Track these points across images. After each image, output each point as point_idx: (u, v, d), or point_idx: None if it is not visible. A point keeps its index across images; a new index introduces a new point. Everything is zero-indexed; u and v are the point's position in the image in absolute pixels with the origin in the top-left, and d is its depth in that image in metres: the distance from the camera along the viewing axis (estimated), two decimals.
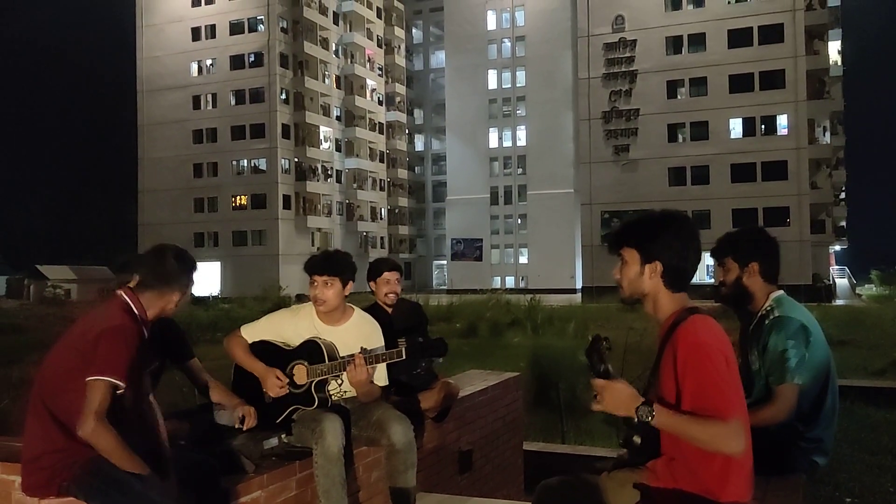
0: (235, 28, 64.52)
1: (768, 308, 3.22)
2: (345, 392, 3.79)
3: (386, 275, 4.67)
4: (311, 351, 3.68)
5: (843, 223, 59.28)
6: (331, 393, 3.72)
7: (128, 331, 2.82)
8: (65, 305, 40.50)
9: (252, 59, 63.87)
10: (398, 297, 4.72)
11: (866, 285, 66.12)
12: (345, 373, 3.63)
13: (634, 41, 55.01)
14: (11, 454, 3.41)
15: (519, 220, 71.99)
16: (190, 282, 3.08)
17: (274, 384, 3.65)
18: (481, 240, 71.95)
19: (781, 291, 3.29)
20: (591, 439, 9.05)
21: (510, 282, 68.51)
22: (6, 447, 3.65)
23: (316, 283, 3.74)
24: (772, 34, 51.44)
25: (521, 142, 72.31)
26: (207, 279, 58.12)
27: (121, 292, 2.97)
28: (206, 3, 65.39)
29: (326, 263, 3.76)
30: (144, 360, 2.96)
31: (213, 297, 48.25)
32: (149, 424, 2.99)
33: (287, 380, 3.67)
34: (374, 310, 4.72)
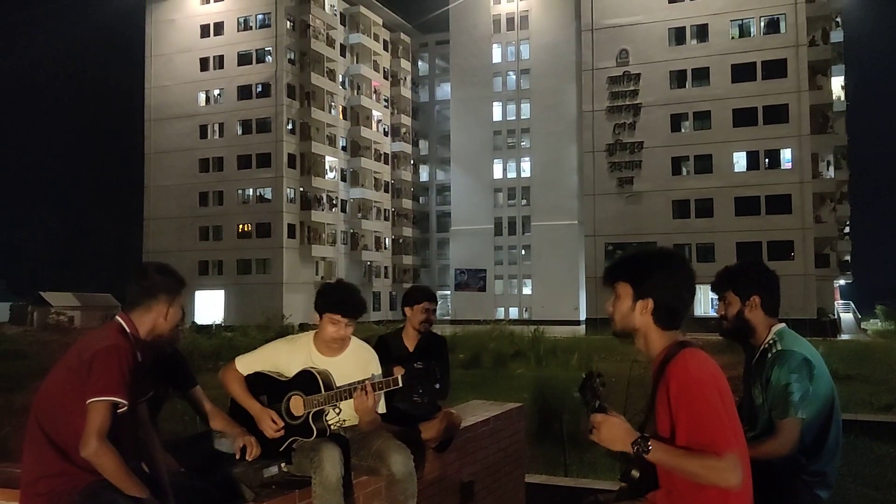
0: (243, 59, 65.22)
1: (771, 341, 3.22)
2: (343, 421, 3.75)
3: (425, 304, 4.74)
4: (307, 381, 3.64)
5: (848, 257, 59.15)
6: (329, 422, 3.69)
7: (121, 350, 2.82)
8: (68, 332, 40.45)
9: (259, 89, 64.48)
10: (431, 327, 4.81)
11: (871, 320, 65.75)
12: (343, 402, 3.61)
13: (638, 75, 55.42)
14: (10, 480, 3.40)
15: (523, 251, 72.06)
16: (175, 292, 3.06)
17: (268, 426, 3.61)
18: (485, 270, 71.97)
19: (783, 325, 3.28)
20: (594, 472, 8.97)
21: (514, 313, 68.40)
22: (5, 473, 3.63)
23: (339, 323, 3.67)
24: (775, 69, 51.80)
25: (526, 173, 72.64)
26: (211, 307, 58.14)
27: (117, 315, 2.99)
28: (214, 34, 66.21)
29: (355, 306, 3.70)
30: (142, 385, 2.95)
31: (216, 325, 48.17)
32: (147, 451, 2.99)
33: (282, 423, 3.63)
34: (391, 339, 4.74)
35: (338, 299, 3.71)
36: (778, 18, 52.85)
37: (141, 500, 2.72)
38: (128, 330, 2.94)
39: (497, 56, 74.50)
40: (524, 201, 72.47)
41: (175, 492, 2.91)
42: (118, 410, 2.75)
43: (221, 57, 65.77)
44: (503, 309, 69.49)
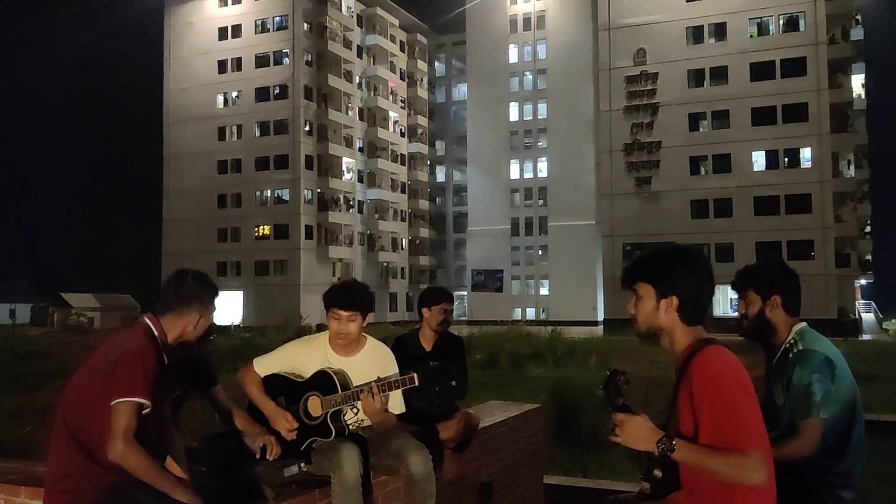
0: (261, 61, 65.54)
1: (792, 341, 3.19)
2: (362, 420, 3.76)
3: (443, 304, 4.73)
4: (323, 382, 3.65)
5: (869, 257, 58.55)
6: (348, 422, 3.69)
7: (146, 353, 2.84)
8: (88, 333, 40.84)
9: (277, 91, 64.77)
10: (448, 327, 4.80)
11: (893, 320, 65.09)
12: (360, 402, 3.62)
13: (656, 74, 55.17)
14: (34, 479, 3.44)
15: (540, 252, 71.89)
16: (209, 303, 3.09)
17: (284, 427, 3.62)
18: (502, 271, 71.85)
19: (804, 324, 3.25)
20: (612, 474, 8.93)
21: (531, 313, 68.26)
22: (29, 472, 3.68)
23: (339, 318, 3.68)
24: (794, 67, 51.40)
25: (543, 173, 72.48)
26: (229, 308, 58.47)
27: (145, 317, 3.02)
28: (232, 37, 66.60)
29: (352, 299, 3.69)
30: (165, 385, 2.98)
31: (234, 325, 48.42)
32: (169, 451, 3.01)
33: (297, 424, 3.64)
34: (409, 340, 4.75)
35: (335, 294, 3.73)
36: (797, 16, 52.44)
37: (163, 497, 2.74)
38: (155, 333, 2.96)
39: (514, 56, 74.39)
40: (541, 201, 72.31)
41: (197, 490, 2.93)
42: (143, 412, 2.78)
43: (239, 59, 66.14)
44: (520, 309, 69.35)
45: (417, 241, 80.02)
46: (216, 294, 3.13)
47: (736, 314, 3.42)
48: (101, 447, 2.76)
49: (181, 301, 3.02)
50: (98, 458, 2.78)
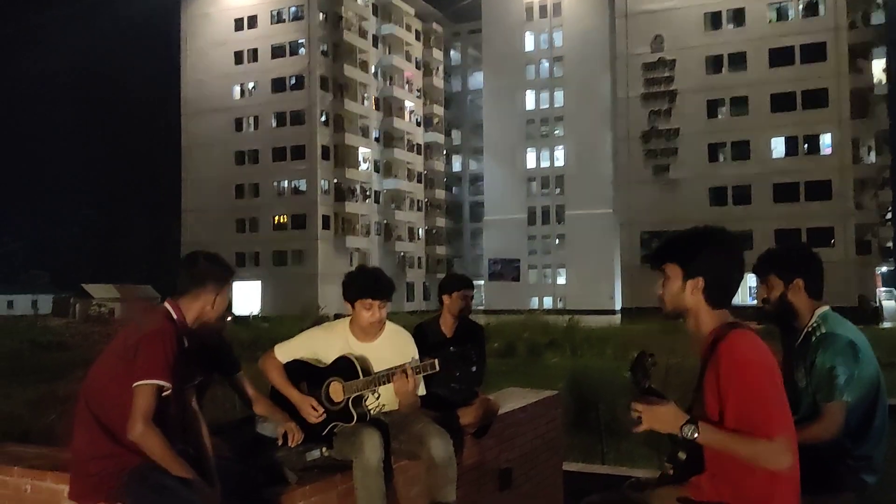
0: (277, 52, 65.65)
1: (814, 325, 3.17)
2: (383, 406, 3.79)
3: (463, 291, 4.75)
4: (345, 368, 3.68)
5: (890, 244, 57.96)
6: (368, 407, 3.73)
7: (166, 336, 2.87)
8: (109, 323, 41.21)
9: (293, 82, 64.89)
10: (469, 314, 4.82)
11: None
12: (381, 387, 3.64)
13: (674, 61, 54.74)
14: (60, 464, 3.49)
15: (557, 241, 71.71)
16: (222, 281, 3.10)
17: (309, 413, 3.66)
18: (518, 260, 71.77)
19: (827, 307, 3.23)
20: (631, 461, 8.94)
21: (548, 302, 68.13)
22: (54, 457, 3.74)
23: (372, 307, 3.71)
24: (814, 53, 50.82)
25: (559, 162, 72.20)
26: (248, 298, 58.84)
27: (165, 301, 3.05)
28: (248, 27, 66.71)
29: (384, 287, 3.75)
30: (187, 369, 3.01)
31: (253, 315, 48.72)
32: (193, 434, 3.05)
33: (322, 410, 3.68)
34: (429, 327, 4.77)
35: (366, 284, 3.75)
36: (817, 1, 51.84)
37: (187, 480, 2.77)
38: (174, 316, 2.99)
39: (530, 44, 74.01)
40: (558, 190, 72.06)
41: (220, 475, 2.96)
42: (163, 394, 2.81)
43: (255, 50, 66.28)
44: (537, 299, 69.25)
45: (434, 231, 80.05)
46: (230, 272, 3.15)
47: (754, 303, 3.40)
48: (125, 430, 2.79)
49: (195, 282, 3.05)
50: (122, 441, 2.82)
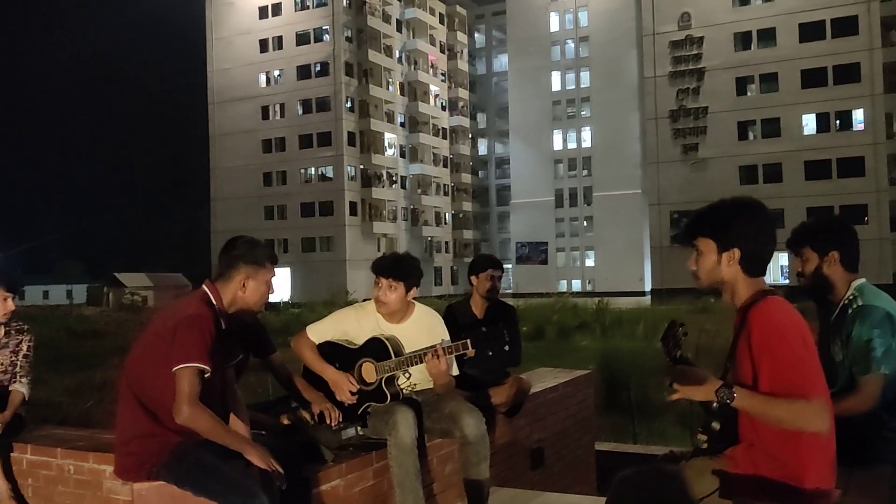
0: (302, 39, 65.78)
1: (851, 297, 3.13)
2: (415, 385, 3.83)
3: (489, 271, 4.74)
4: (377, 348, 3.72)
5: None
6: (401, 387, 3.77)
7: (203, 318, 2.90)
8: (141, 312, 41.82)
9: (318, 68, 65.00)
10: (497, 294, 4.80)
11: None
12: (413, 367, 3.67)
13: (701, 38, 54.00)
14: (101, 445, 3.58)
15: (585, 223, 71.36)
16: (256, 264, 3.08)
17: (346, 388, 3.69)
18: (546, 243, 71.50)
19: (864, 279, 3.19)
20: (663, 440, 8.92)
21: (576, 285, 67.92)
22: (96, 439, 3.83)
23: (380, 285, 3.74)
24: (846, 26, 49.86)
25: (586, 143, 71.68)
26: (278, 285, 59.11)
27: (203, 284, 3.09)
28: (272, 15, 66.88)
29: (394, 267, 3.75)
30: (225, 350, 3.05)
31: (283, 302, 49.19)
32: (233, 412, 3.10)
33: (358, 385, 3.72)
34: (459, 308, 4.78)
35: (378, 261, 3.82)
36: None
37: (228, 457, 2.82)
38: (212, 299, 3.03)
39: (555, 24, 73.36)
40: (585, 172, 71.61)
41: None
42: (204, 376, 2.85)
43: (280, 38, 66.46)
44: (565, 281, 69.05)
45: (461, 215, 80.00)
46: (265, 256, 3.12)
47: (786, 282, 3.36)
48: (165, 410, 2.85)
49: (229, 264, 3.07)
50: (163, 421, 2.88)
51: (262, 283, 3.12)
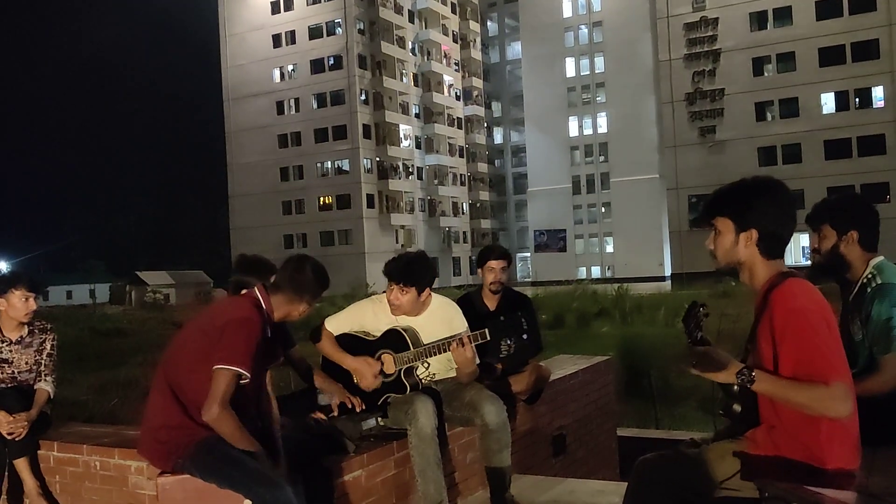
0: (314, 33, 65.83)
1: (869, 275, 3.09)
2: (433, 375, 3.85)
3: (491, 263, 4.64)
4: (395, 340, 3.74)
5: None
6: (420, 377, 3.78)
7: (253, 323, 2.92)
8: (164, 309, 42.18)
9: (331, 62, 65.06)
10: (504, 286, 4.70)
11: None
12: (431, 357, 3.68)
13: (716, 19, 53.47)
14: (126, 441, 3.63)
15: (603, 209, 71.02)
16: (317, 297, 3.17)
17: (369, 374, 3.71)
18: (565, 230, 71.30)
19: (882, 257, 3.14)
20: (685, 425, 8.90)
21: (596, 272, 67.67)
22: (121, 435, 3.88)
23: (392, 289, 3.75)
24: (863, 2, 49.14)
25: (602, 129, 71.26)
26: None
27: (255, 288, 3.10)
28: (285, 10, 66.97)
29: (403, 273, 3.73)
30: (268, 355, 3.07)
31: None
32: (264, 412, 3.13)
33: (380, 367, 3.74)
34: (475, 297, 4.77)
35: (389, 266, 3.80)
36: None
37: (253, 451, 2.85)
38: (264, 306, 3.04)
39: (567, 10, 72.86)
40: (602, 158, 71.21)
41: (283, 445, 3.05)
42: (241, 381, 2.88)
43: (293, 32, 66.54)
44: (585, 268, 68.79)
45: (478, 205, 79.88)
46: (326, 288, 3.22)
47: (808, 262, 3.33)
48: (196, 406, 2.88)
49: (295, 288, 3.10)
50: (193, 415, 2.91)
51: (307, 309, 3.19)
